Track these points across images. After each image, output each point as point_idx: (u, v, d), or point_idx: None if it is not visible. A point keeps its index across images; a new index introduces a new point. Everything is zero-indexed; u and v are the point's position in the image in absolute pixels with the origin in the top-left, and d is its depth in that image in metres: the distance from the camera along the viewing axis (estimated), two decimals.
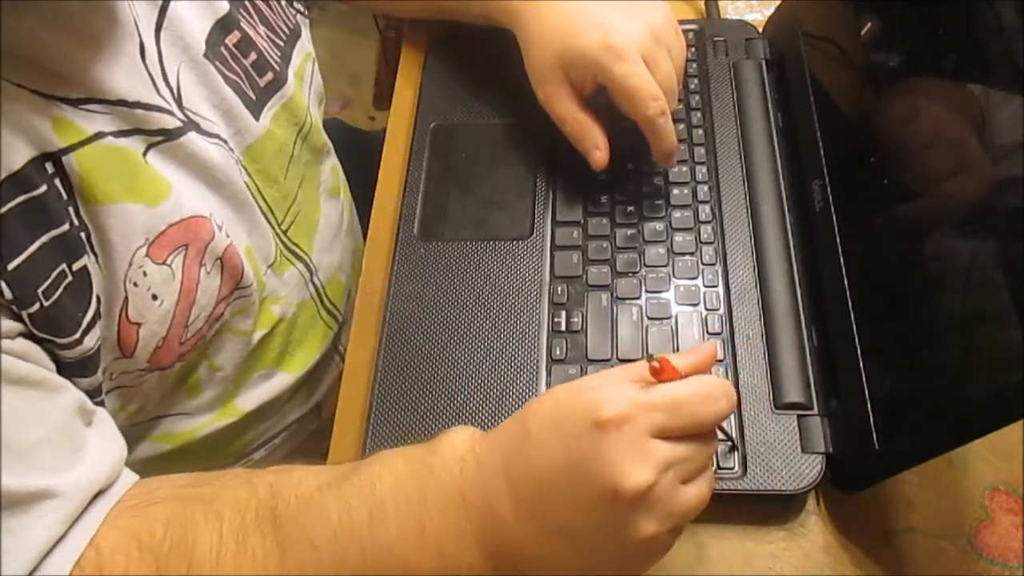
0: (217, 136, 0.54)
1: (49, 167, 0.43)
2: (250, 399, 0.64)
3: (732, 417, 0.54)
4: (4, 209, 0.40)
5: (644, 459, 0.40)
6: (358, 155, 0.77)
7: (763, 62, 0.71)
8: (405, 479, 0.43)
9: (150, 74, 0.49)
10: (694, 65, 0.71)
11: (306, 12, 0.67)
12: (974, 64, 0.51)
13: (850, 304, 0.54)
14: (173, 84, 0.51)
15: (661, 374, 0.42)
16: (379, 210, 0.67)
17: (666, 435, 0.41)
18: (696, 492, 0.42)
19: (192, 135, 0.51)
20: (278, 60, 0.60)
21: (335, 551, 0.42)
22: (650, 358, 0.42)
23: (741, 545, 0.52)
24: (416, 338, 0.59)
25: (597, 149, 0.61)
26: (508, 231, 0.63)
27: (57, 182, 0.43)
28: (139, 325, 0.49)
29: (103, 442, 0.46)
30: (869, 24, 0.61)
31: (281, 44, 0.61)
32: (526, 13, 0.62)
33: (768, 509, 0.53)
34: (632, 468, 0.39)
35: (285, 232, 0.63)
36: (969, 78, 0.51)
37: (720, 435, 0.49)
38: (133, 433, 0.58)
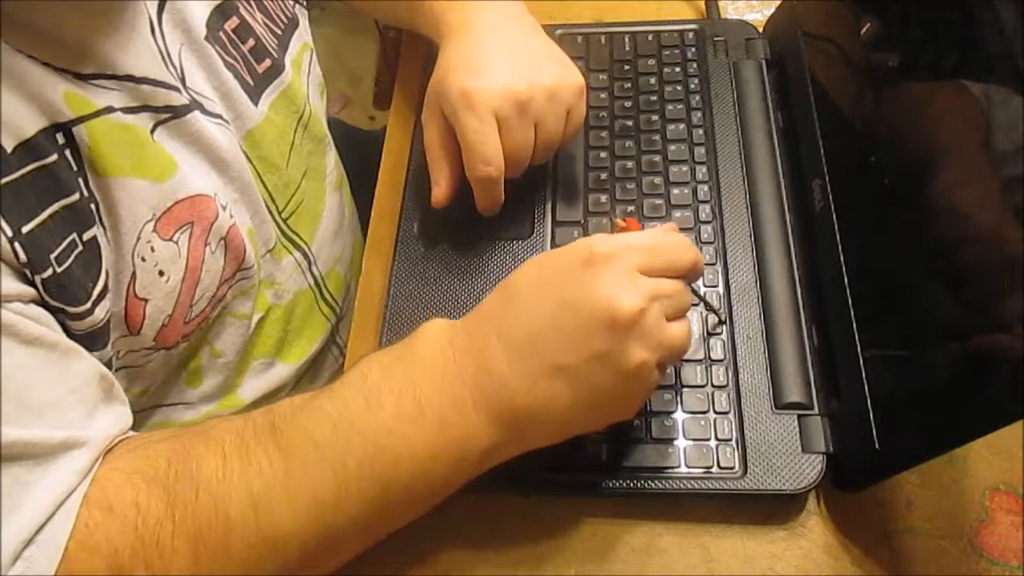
0: (220, 116, 0.54)
1: (60, 137, 0.43)
2: (250, 390, 0.64)
3: (732, 415, 0.54)
4: (17, 175, 0.41)
5: (633, 288, 0.44)
6: (358, 155, 0.77)
7: (763, 62, 0.71)
8: (394, 366, 0.45)
9: (160, 51, 0.49)
10: (694, 65, 0.71)
11: (304, 3, 0.67)
12: (974, 64, 0.51)
13: (850, 304, 0.54)
14: (176, 65, 0.51)
15: (628, 231, 0.48)
16: (379, 210, 0.67)
17: (648, 274, 0.45)
18: (680, 329, 0.47)
19: (197, 114, 0.51)
20: (275, 48, 0.61)
21: (336, 443, 0.43)
22: (612, 223, 0.47)
23: (742, 545, 0.52)
24: None
25: (436, 185, 0.60)
26: (508, 231, 0.63)
27: (67, 152, 0.44)
28: (146, 301, 0.50)
29: (119, 407, 0.47)
30: (869, 24, 0.61)
31: (279, 33, 0.62)
32: (448, 38, 0.61)
33: (769, 509, 0.53)
34: (624, 295, 0.44)
35: (285, 220, 0.64)
36: (969, 78, 0.51)
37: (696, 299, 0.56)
38: (135, 419, 0.58)
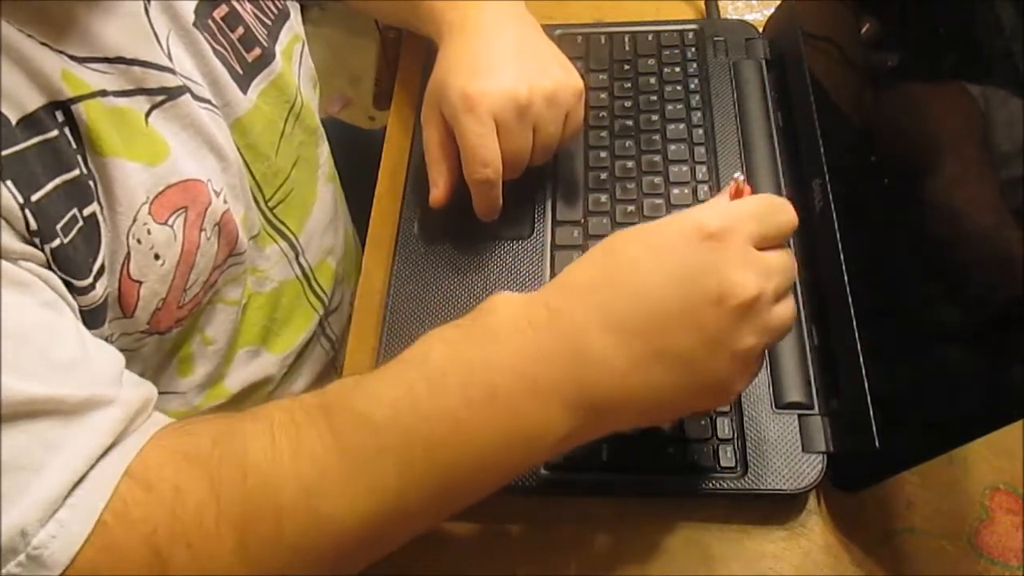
0: (209, 102, 0.54)
1: (59, 115, 0.44)
2: (237, 379, 0.64)
3: (732, 415, 0.54)
4: (23, 146, 0.41)
5: (751, 267, 0.41)
6: (358, 155, 0.77)
7: (763, 62, 0.71)
8: (461, 345, 0.42)
9: (155, 32, 0.49)
10: (694, 65, 0.71)
11: None
12: (974, 64, 0.51)
13: (850, 304, 0.54)
14: (166, 50, 0.51)
15: (741, 196, 0.45)
16: (379, 210, 0.67)
17: (761, 245, 0.43)
18: (786, 309, 0.44)
19: (188, 96, 0.51)
20: (265, 37, 0.61)
21: (397, 429, 0.40)
22: (733, 179, 0.45)
23: (742, 545, 0.52)
24: (416, 338, 0.58)
25: (435, 186, 0.60)
26: (508, 231, 0.63)
27: (67, 130, 0.44)
28: (140, 283, 0.50)
29: (137, 378, 0.46)
30: (869, 24, 0.61)
31: (268, 23, 0.62)
32: (449, 37, 0.61)
33: (769, 509, 0.53)
34: (742, 275, 0.41)
35: (272, 209, 0.64)
36: (969, 78, 0.51)
37: None
38: None
